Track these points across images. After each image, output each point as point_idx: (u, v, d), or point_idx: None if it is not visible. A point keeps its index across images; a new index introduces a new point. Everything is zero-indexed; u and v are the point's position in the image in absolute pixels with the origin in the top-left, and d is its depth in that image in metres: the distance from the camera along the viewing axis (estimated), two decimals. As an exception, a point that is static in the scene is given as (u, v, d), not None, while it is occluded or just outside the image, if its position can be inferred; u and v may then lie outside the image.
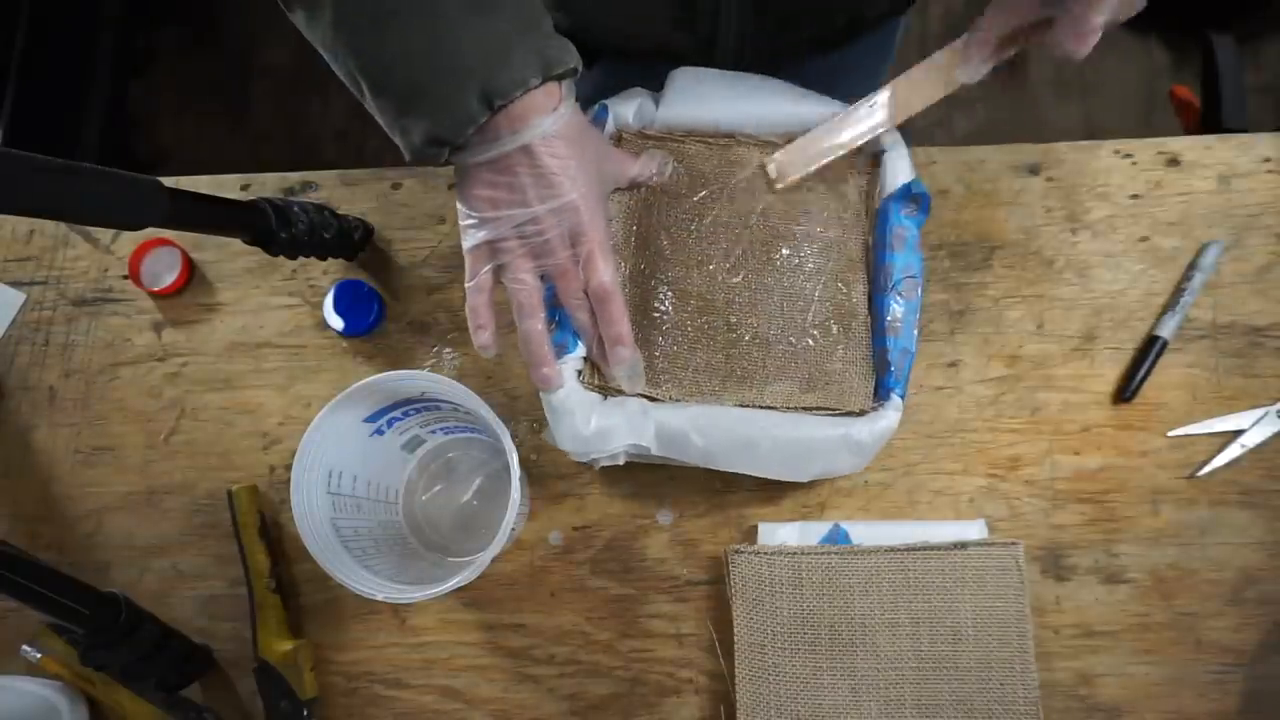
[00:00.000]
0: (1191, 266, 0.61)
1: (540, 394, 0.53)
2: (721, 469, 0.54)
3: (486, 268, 0.50)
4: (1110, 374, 0.61)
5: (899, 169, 0.57)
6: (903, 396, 0.53)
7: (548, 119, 0.46)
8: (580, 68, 0.47)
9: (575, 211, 0.48)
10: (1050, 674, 0.57)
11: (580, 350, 0.54)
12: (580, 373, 0.55)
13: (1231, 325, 0.61)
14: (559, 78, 0.46)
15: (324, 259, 0.62)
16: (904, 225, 0.55)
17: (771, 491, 0.60)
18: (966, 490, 0.60)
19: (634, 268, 0.57)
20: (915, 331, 0.54)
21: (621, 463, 0.55)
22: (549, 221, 0.48)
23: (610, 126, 0.59)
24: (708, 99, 0.58)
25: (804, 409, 0.54)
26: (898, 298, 0.54)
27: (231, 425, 0.63)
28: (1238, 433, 0.59)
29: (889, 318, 0.54)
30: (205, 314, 0.65)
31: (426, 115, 0.45)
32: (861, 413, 0.54)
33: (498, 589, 0.60)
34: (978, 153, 0.65)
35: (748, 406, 0.54)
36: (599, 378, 0.55)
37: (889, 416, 0.53)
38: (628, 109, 0.58)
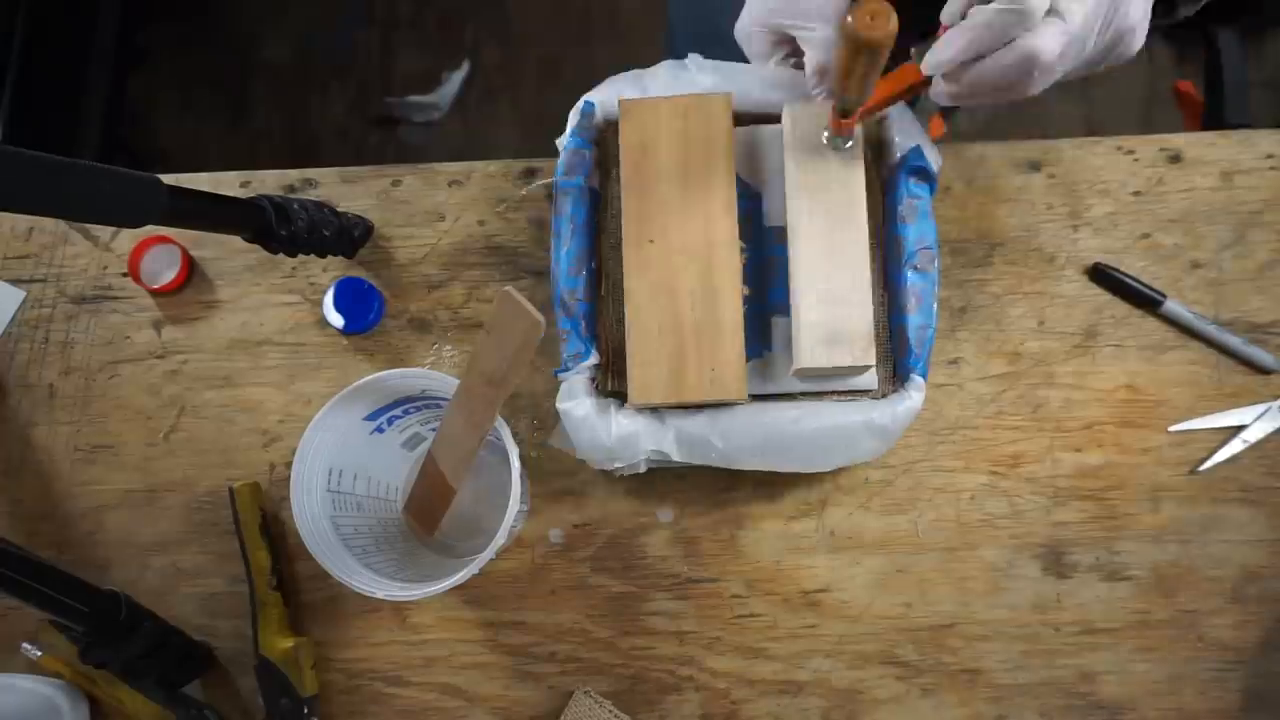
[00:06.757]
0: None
1: (557, 405, 0.53)
2: (744, 468, 0.53)
3: None
4: (1111, 371, 0.61)
5: (908, 132, 0.54)
6: (924, 375, 0.52)
7: None
8: None
9: None
10: (1051, 671, 0.57)
11: (594, 358, 0.54)
12: (594, 380, 0.54)
13: (1233, 322, 0.61)
14: None
15: (324, 256, 0.62)
16: (915, 195, 0.53)
17: (772, 488, 0.60)
18: (967, 487, 0.60)
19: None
20: (935, 305, 0.52)
21: (643, 470, 0.55)
22: None
23: (598, 117, 0.57)
24: (696, 82, 0.56)
25: (821, 394, 0.53)
26: (913, 271, 0.52)
27: (232, 423, 0.63)
28: (1239, 428, 0.59)
29: (906, 293, 0.52)
30: (205, 311, 0.65)
31: None
32: (882, 395, 0.52)
33: (498, 586, 0.60)
34: (978, 149, 0.64)
35: (765, 396, 0.52)
36: (614, 383, 0.54)
37: (912, 397, 0.51)
38: (611, 97, 0.56)
